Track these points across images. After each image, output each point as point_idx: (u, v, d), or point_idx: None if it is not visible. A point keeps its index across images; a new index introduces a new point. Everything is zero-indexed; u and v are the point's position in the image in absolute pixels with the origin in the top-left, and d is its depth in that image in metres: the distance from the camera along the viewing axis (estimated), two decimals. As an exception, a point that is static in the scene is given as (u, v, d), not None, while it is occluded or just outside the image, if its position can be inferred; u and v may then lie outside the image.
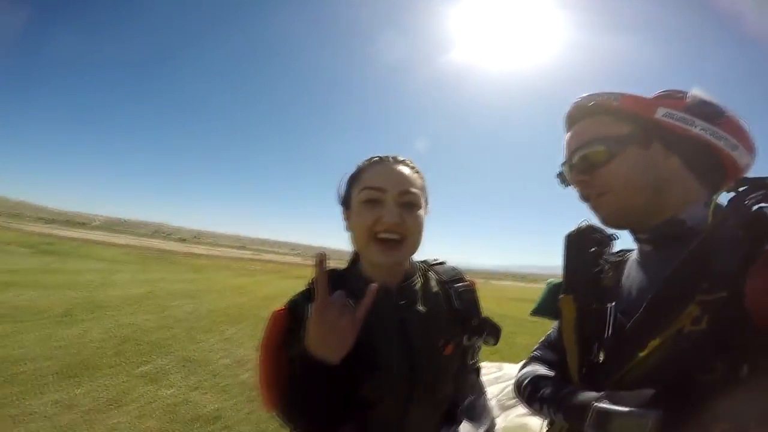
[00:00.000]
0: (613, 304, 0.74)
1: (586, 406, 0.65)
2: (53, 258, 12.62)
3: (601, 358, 0.72)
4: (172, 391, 3.26)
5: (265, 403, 0.83)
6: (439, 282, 0.95)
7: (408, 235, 0.83)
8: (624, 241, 0.86)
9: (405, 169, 0.87)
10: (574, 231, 0.89)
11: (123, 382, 3.31)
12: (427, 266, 0.98)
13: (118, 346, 4.28)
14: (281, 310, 0.84)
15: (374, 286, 0.73)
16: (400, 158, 0.89)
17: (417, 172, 0.90)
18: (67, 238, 26.63)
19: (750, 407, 0.54)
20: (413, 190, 0.85)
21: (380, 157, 0.89)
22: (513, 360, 4.59)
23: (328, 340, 0.70)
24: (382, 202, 0.82)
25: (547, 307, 0.93)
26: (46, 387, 2.97)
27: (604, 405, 0.63)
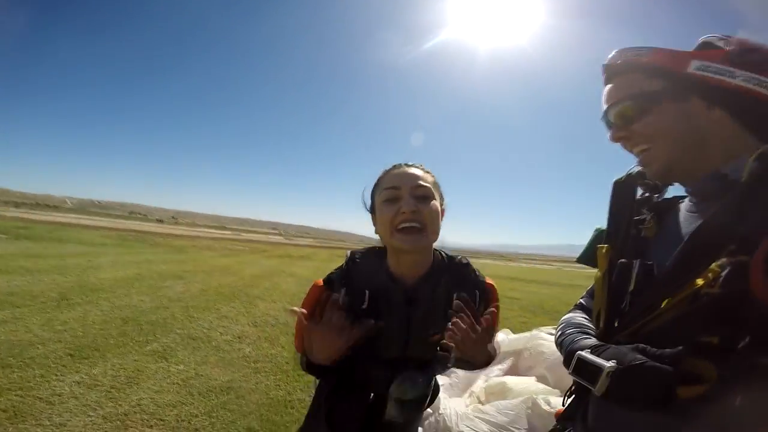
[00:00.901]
0: (639, 260, 0.74)
1: (574, 354, 0.70)
2: (32, 243, 12.35)
3: (628, 310, 0.74)
4: (182, 367, 3.50)
5: (295, 346, 1.09)
6: (447, 288, 1.03)
7: (426, 223, 0.96)
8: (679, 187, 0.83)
9: (416, 170, 1.02)
10: (623, 176, 0.86)
11: (135, 360, 3.53)
12: (448, 265, 1.09)
13: (121, 327, 4.45)
14: (320, 284, 1.05)
15: (336, 296, 0.98)
16: (411, 162, 1.05)
17: (427, 172, 1.04)
18: (42, 221, 25.70)
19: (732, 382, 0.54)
20: (424, 184, 0.99)
21: (393, 165, 1.05)
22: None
23: (322, 349, 0.97)
24: (400, 198, 0.97)
25: (590, 255, 0.91)
26: (65, 368, 3.17)
27: (584, 354, 0.68)
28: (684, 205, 0.79)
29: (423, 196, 0.98)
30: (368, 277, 1.05)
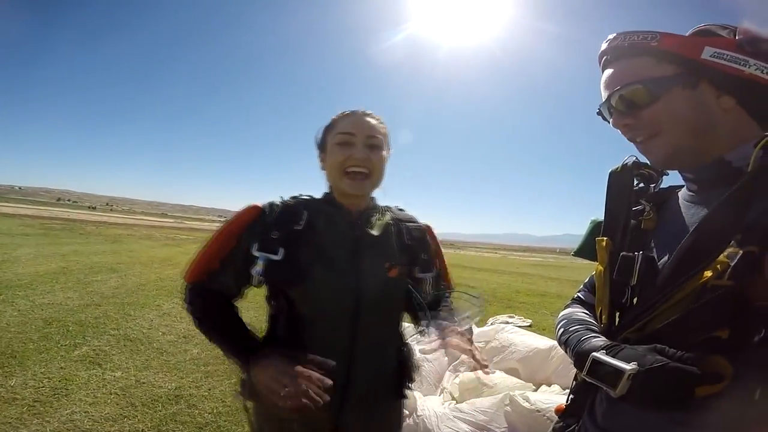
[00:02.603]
0: (641, 252, 0.72)
1: (587, 355, 0.67)
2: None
3: (630, 305, 0.73)
4: (119, 373, 3.13)
5: (189, 271, 1.00)
6: (395, 219, 1.15)
7: (373, 170, 1.04)
8: (674, 177, 0.82)
9: (372, 120, 1.07)
10: (618, 166, 0.85)
11: (61, 368, 3.10)
12: (388, 208, 1.19)
13: (43, 330, 3.92)
14: (257, 206, 1.01)
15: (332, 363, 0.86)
16: (368, 111, 1.09)
17: (381, 123, 1.10)
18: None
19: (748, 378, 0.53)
20: (378, 135, 1.06)
21: (351, 111, 1.08)
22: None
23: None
24: (353, 144, 1.02)
25: (588, 248, 0.89)
26: (-28, 381, 2.70)
27: (599, 355, 0.65)
28: (682, 194, 0.78)
29: (374, 145, 1.05)
30: (308, 203, 1.06)
